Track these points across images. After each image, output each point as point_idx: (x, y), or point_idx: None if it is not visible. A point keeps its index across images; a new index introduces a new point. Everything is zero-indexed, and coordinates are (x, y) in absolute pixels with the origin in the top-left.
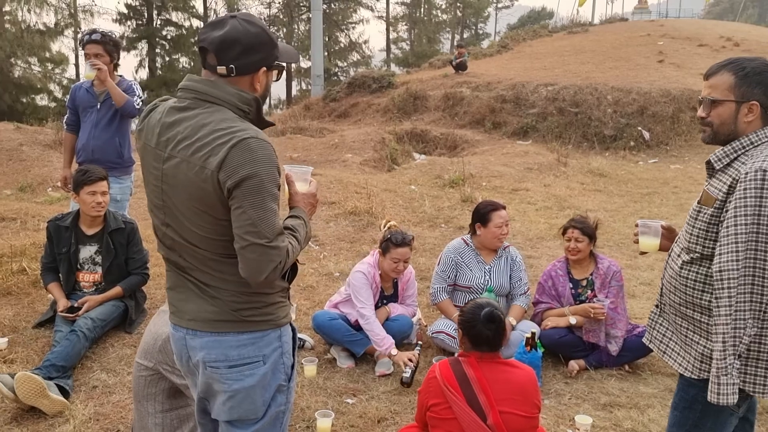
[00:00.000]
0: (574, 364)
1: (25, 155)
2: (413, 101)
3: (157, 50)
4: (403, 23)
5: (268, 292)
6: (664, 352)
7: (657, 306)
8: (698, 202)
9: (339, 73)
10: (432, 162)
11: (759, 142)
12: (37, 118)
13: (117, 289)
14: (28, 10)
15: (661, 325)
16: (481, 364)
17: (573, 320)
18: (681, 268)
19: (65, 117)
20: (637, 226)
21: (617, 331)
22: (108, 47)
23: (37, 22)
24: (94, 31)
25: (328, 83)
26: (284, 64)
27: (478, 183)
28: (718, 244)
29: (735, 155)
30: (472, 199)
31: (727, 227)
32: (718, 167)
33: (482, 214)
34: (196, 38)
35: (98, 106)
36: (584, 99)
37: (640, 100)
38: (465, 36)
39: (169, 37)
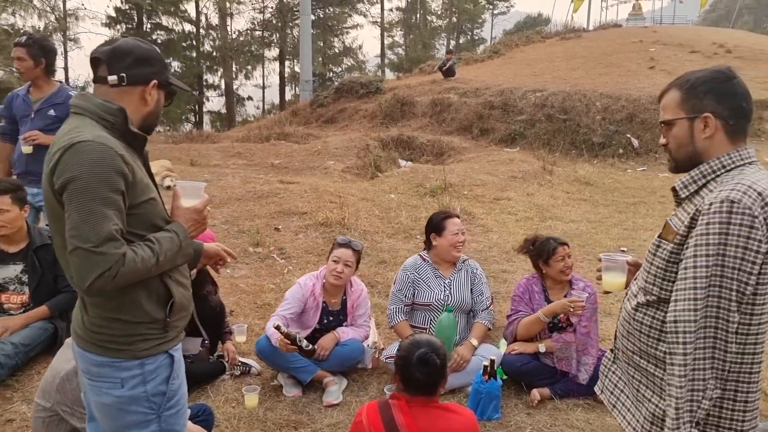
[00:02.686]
0: (537, 393)
1: None
2: (401, 107)
3: None
4: (398, 29)
5: (132, 321)
6: (614, 406)
7: (612, 351)
8: (659, 236)
9: (334, 78)
10: (415, 170)
11: (732, 166)
12: None
13: (43, 309)
14: (13, 13)
15: (614, 373)
16: (413, 409)
17: (542, 348)
18: (635, 311)
19: (1, 125)
20: (600, 260)
21: (588, 357)
22: (32, 50)
23: (24, 26)
24: (24, 34)
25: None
26: (176, 89)
27: (459, 192)
28: (675, 287)
29: (704, 181)
30: (451, 209)
31: (685, 268)
32: (684, 195)
33: (436, 224)
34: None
35: (32, 115)
36: (573, 105)
37: (629, 107)
38: (461, 41)
39: (159, 41)
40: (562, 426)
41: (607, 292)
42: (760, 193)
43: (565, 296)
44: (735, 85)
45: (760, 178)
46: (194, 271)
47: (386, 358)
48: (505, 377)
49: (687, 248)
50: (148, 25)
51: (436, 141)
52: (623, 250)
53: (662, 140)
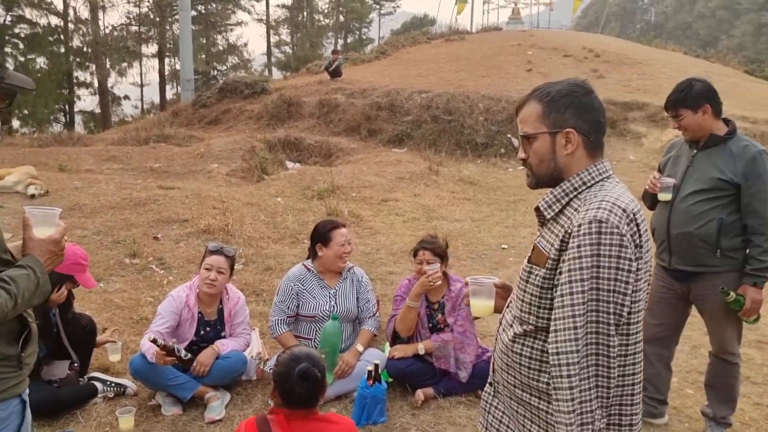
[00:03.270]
0: (420, 394)
1: None
2: (287, 108)
3: (9, 50)
4: (285, 27)
5: None
6: None
7: (490, 384)
8: (528, 261)
9: (219, 77)
10: (303, 172)
11: (592, 182)
12: None
13: None
14: None
15: (496, 408)
16: (292, 423)
17: (422, 350)
18: (513, 342)
19: None
20: (467, 284)
21: (466, 356)
22: None
23: None
24: None
25: (204, 87)
26: (15, 89)
27: (347, 194)
28: (553, 316)
29: (566, 200)
30: (338, 212)
31: (562, 295)
32: (549, 216)
33: (322, 234)
34: None
35: None
36: (457, 107)
37: (509, 108)
38: (349, 41)
39: (22, 35)
40: (445, 424)
41: (476, 318)
42: (624, 210)
43: (444, 296)
44: (593, 100)
45: (622, 193)
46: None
47: (271, 369)
48: (390, 380)
49: (560, 273)
50: (9, 18)
51: (324, 142)
52: (504, 248)
53: (521, 154)
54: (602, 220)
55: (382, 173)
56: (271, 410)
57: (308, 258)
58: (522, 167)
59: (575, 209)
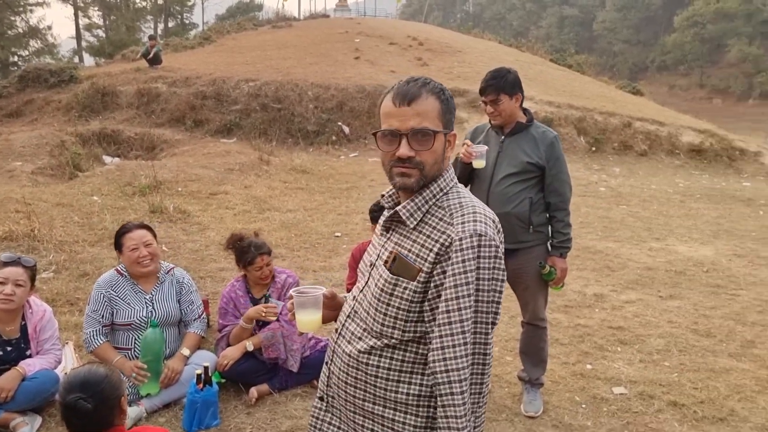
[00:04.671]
0: (254, 392)
1: None
2: (101, 98)
3: None
4: (95, 8)
5: None
6: None
7: (322, 399)
8: (392, 272)
9: (20, 63)
10: (122, 167)
11: (447, 188)
12: None
13: None
14: None
15: (330, 424)
16: None
17: (250, 346)
18: (368, 355)
19: None
20: (291, 298)
21: (294, 343)
22: None
23: None
24: None
25: (1, 75)
26: None
27: (172, 189)
28: (437, 332)
29: (427, 207)
30: (163, 208)
31: (448, 311)
32: (412, 225)
33: (115, 240)
34: None
35: None
36: (286, 95)
37: (338, 95)
38: (170, 25)
39: None
40: (281, 419)
41: (302, 333)
42: (493, 220)
43: (268, 293)
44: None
45: (478, 201)
46: None
47: None
48: (222, 381)
49: (438, 286)
50: None
51: (145, 134)
52: (337, 236)
53: (408, 152)
54: (482, 233)
55: (210, 165)
56: None
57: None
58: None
59: (440, 219)
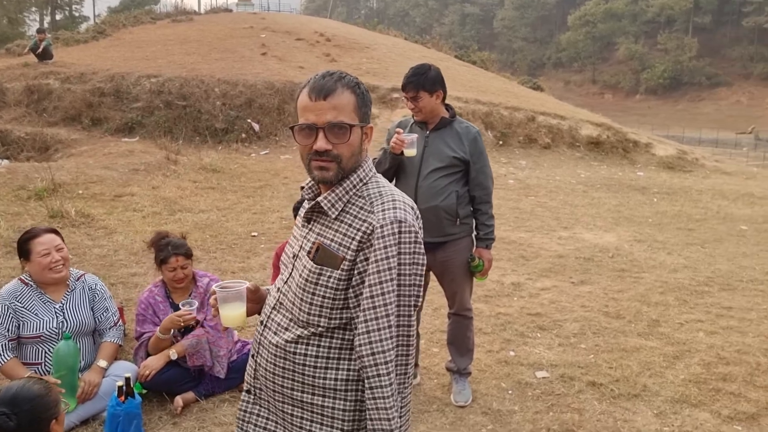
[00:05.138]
0: (179, 400)
1: None
2: None
3: None
4: None
5: None
6: None
7: (249, 392)
8: (316, 262)
9: None
10: (13, 170)
11: (366, 178)
12: None
13: None
14: None
15: (258, 416)
16: None
17: (174, 354)
18: (295, 344)
19: None
20: (213, 293)
21: (220, 349)
22: None
23: None
24: None
25: None
26: None
27: (72, 191)
28: (362, 317)
29: (348, 197)
30: (63, 213)
31: (372, 296)
32: (334, 215)
33: (20, 247)
34: None
35: None
36: (192, 92)
37: (247, 92)
38: (57, 18)
39: None
40: (210, 426)
41: (226, 328)
42: (412, 207)
43: (191, 295)
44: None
45: (396, 190)
46: None
47: None
48: (144, 392)
49: (361, 273)
50: None
51: (37, 134)
52: (254, 235)
53: (325, 145)
54: (402, 220)
55: (113, 166)
56: None
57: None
58: (264, 152)
59: (361, 207)
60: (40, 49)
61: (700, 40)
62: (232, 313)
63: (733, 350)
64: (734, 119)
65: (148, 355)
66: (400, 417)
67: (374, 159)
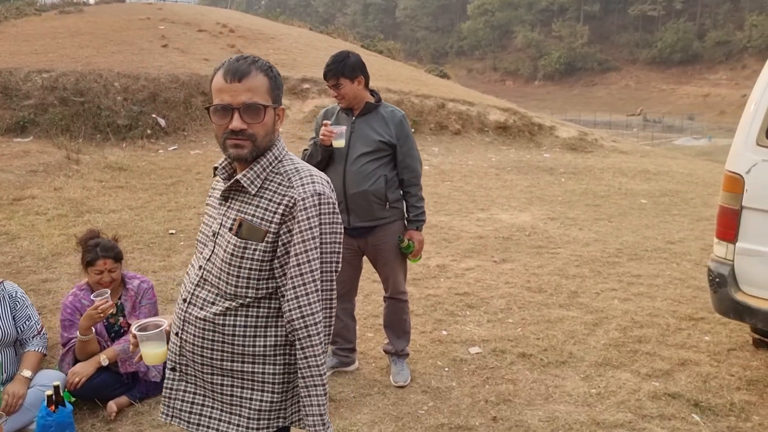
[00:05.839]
0: (113, 405)
1: None
2: None
3: None
4: None
5: None
6: (199, 425)
7: (173, 369)
8: (240, 237)
9: None
10: None
11: (281, 156)
12: None
13: None
14: None
15: (185, 392)
16: None
17: (105, 360)
18: (223, 316)
19: None
20: (135, 337)
21: None
22: None
23: None
24: None
25: None
26: None
27: None
28: (290, 284)
29: (265, 174)
30: None
31: (299, 264)
32: (254, 191)
33: None
34: None
35: None
36: (89, 87)
37: (150, 86)
38: None
39: None
40: (147, 429)
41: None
42: (327, 181)
43: (120, 298)
44: None
45: (310, 166)
46: None
47: None
48: (74, 400)
49: (291, 244)
50: None
51: None
52: (172, 233)
53: (240, 125)
54: (321, 192)
55: (8, 168)
56: None
57: None
58: (173, 147)
59: (279, 183)
60: None
61: (591, 28)
62: (153, 351)
63: (645, 314)
64: (624, 102)
65: (76, 361)
66: None
67: (305, 151)
